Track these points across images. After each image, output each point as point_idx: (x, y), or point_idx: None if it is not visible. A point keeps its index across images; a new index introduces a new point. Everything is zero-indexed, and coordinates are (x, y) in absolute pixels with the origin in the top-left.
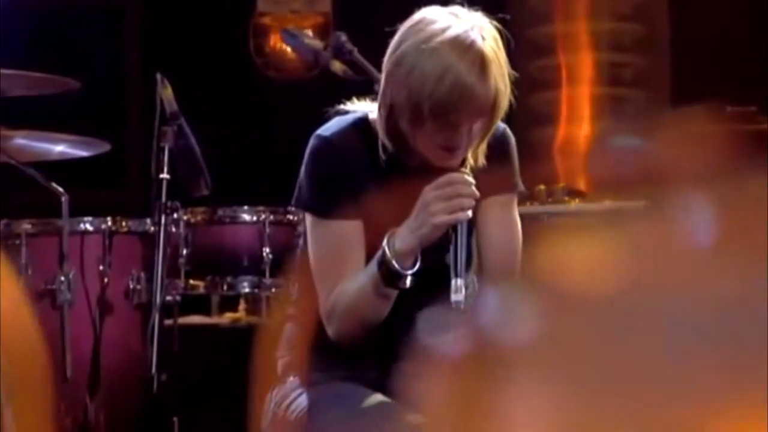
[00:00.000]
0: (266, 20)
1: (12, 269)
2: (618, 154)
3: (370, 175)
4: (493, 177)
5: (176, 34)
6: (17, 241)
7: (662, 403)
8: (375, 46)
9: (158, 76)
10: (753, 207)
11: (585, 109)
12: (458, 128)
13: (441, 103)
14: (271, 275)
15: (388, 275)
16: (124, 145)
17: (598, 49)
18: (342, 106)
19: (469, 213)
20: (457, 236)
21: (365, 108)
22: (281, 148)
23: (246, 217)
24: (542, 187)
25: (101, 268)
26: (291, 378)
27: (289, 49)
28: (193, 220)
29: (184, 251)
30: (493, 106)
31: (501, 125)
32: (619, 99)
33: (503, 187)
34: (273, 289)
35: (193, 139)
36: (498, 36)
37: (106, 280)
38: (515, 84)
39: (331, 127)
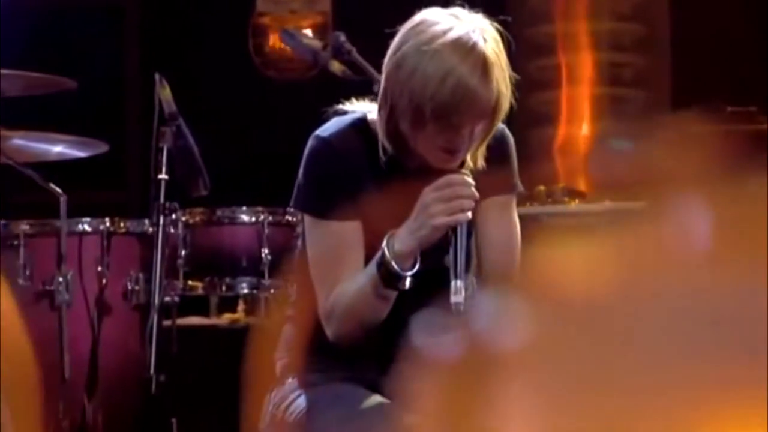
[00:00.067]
0: (265, 20)
1: (2, 274)
2: (617, 155)
3: (368, 176)
4: (492, 178)
5: (175, 34)
6: (15, 242)
7: (655, 406)
8: (374, 46)
9: (156, 76)
10: (752, 208)
11: (585, 109)
12: (460, 130)
13: (443, 105)
14: (270, 276)
15: (388, 276)
16: (123, 145)
17: (598, 49)
18: (340, 107)
19: (469, 214)
20: (457, 238)
21: (364, 108)
22: (280, 148)
23: (245, 217)
24: (542, 187)
25: (99, 268)
26: (290, 379)
27: (288, 49)
28: (191, 221)
29: (183, 252)
30: (495, 108)
31: (500, 126)
32: (619, 99)
33: (502, 188)
34: (272, 290)
35: (191, 140)
36: (499, 38)
37: (104, 280)
38: (515, 84)
39: (329, 127)
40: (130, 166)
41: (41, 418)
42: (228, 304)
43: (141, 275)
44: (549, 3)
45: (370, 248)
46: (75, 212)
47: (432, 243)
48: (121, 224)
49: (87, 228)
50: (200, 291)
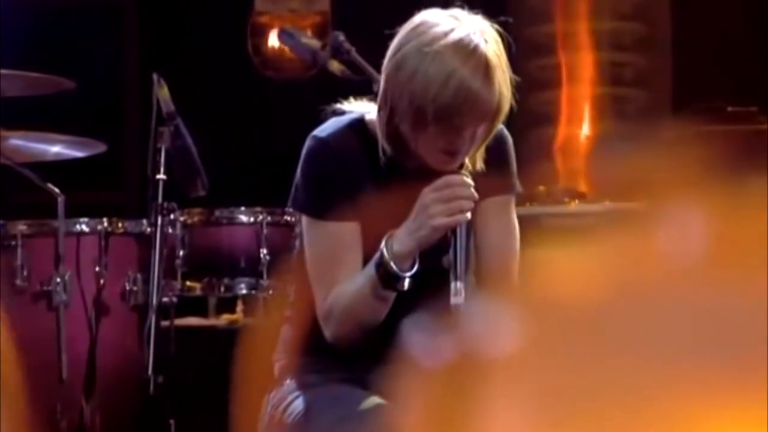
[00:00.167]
0: (264, 19)
1: None
2: (617, 157)
3: (366, 176)
4: (491, 179)
5: (174, 34)
6: (13, 242)
7: (649, 412)
8: (374, 45)
9: (154, 76)
10: (752, 210)
11: (585, 109)
12: (461, 132)
13: (445, 108)
14: (269, 277)
15: (386, 277)
16: (121, 145)
17: (598, 49)
18: (338, 106)
19: (468, 215)
20: (456, 239)
21: (362, 108)
22: (279, 148)
23: (243, 218)
24: (542, 187)
25: (97, 269)
26: (288, 381)
27: (287, 49)
28: (189, 221)
29: (181, 252)
30: (497, 110)
31: (499, 126)
32: (620, 99)
33: (501, 188)
34: (270, 291)
35: (189, 140)
36: (499, 39)
37: (102, 281)
38: (515, 85)
39: (327, 128)
40: (129, 166)
41: (28, 419)
42: (226, 304)
43: (139, 276)
44: (549, 2)
45: (369, 249)
46: (73, 212)
47: (431, 244)
48: (119, 224)
49: (85, 228)
50: (198, 291)
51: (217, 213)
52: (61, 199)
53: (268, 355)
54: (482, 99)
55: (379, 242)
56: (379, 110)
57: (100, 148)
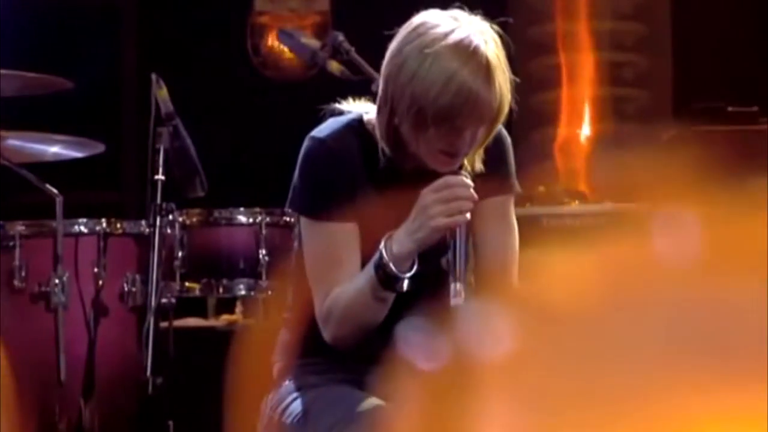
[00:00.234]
0: (264, 19)
1: None
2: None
3: (365, 177)
4: (490, 179)
5: (172, 33)
6: (11, 243)
7: (640, 416)
8: (374, 45)
9: (153, 76)
10: (751, 211)
11: (585, 109)
12: (462, 133)
13: (446, 109)
14: (268, 277)
15: (386, 278)
16: (120, 146)
17: (598, 49)
18: (337, 106)
19: (468, 216)
20: (456, 240)
21: (360, 108)
22: (278, 148)
23: (242, 218)
24: (542, 188)
25: (96, 270)
26: (286, 382)
27: (286, 49)
28: (188, 222)
29: (180, 253)
30: (497, 111)
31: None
32: (620, 99)
33: (500, 189)
34: (269, 292)
35: (188, 140)
36: (499, 39)
37: (100, 282)
38: (515, 85)
39: (325, 128)
40: (127, 166)
41: (26, 420)
42: (225, 305)
43: (138, 277)
44: (549, 2)
45: (367, 250)
46: (72, 213)
47: (430, 245)
48: (118, 225)
49: (83, 229)
50: (197, 292)
51: (216, 214)
52: (59, 200)
53: (267, 356)
54: (483, 100)
55: (378, 243)
56: (379, 111)
57: (99, 148)
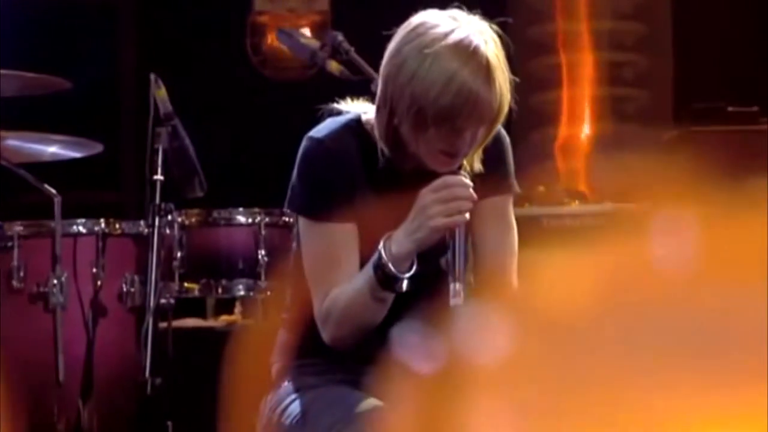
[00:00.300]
0: (263, 18)
1: None
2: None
3: (363, 177)
4: (488, 179)
5: (171, 33)
6: (9, 244)
7: (635, 421)
8: (373, 45)
9: (152, 76)
10: (751, 213)
11: (585, 109)
12: (462, 134)
13: (446, 109)
14: (267, 278)
15: (385, 279)
16: (119, 145)
17: (598, 49)
18: (335, 106)
19: (467, 216)
20: (455, 240)
21: (358, 108)
22: (278, 148)
23: (241, 219)
24: (542, 188)
25: (94, 270)
26: (285, 383)
27: (286, 49)
28: (187, 222)
29: (179, 254)
30: (497, 111)
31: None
32: (620, 99)
33: (499, 189)
34: (268, 292)
35: (187, 140)
36: (498, 39)
37: (99, 282)
38: (515, 85)
39: (323, 128)
40: (126, 166)
41: (24, 421)
42: (224, 306)
43: (136, 277)
44: (549, 2)
45: (366, 250)
46: (70, 213)
47: (429, 245)
48: (116, 225)
49: (82, 229)
50: (196, 293)
51: (215, 214)
52: (57, 200)
53: (266, 356)
54: (483, 100)
55: (377, 243)
56: (378, 111)
57: (97, 148)
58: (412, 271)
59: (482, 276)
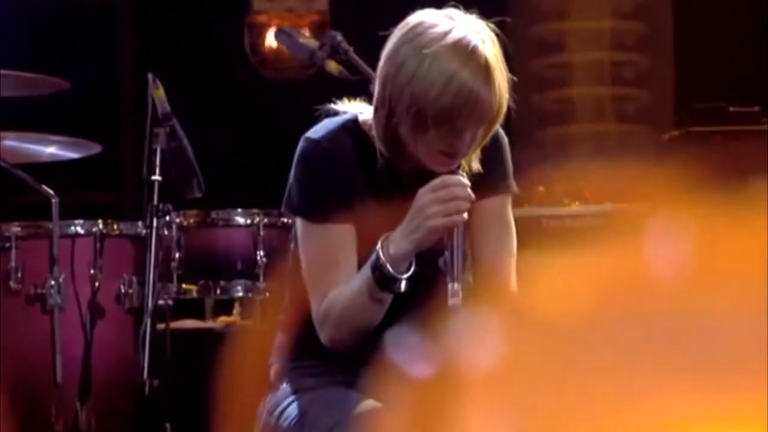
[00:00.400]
0: (262, 18)
1: None
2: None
3: (361, 177)
4: (487, 179)
5: (170, 33)
6: (7, 244)
7: (631, 425)
8: (372, 45)
9: (150, 76)
10: (752, 214)
11: (586, 109)
12: (461, 134)
13: (446, 110)
14: (266, 279)
15: (383, 280)
16: (117, 146)
17: (599, 48)
18: (332, 107)
19: (465, 216)
20: (453, 240)
21: (355, 109)
22: (276, 149)
23: (240, 219)
24: (542, 188)
25: (92, 271)
26: (283, 385)
27: (285, 48)
28: (185, 223)
29: (177, 255)
30: (497, 111)
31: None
32: (621, 98)
33: (497, 188)
34: (267, 293)
35: (186, 141)
36: (496, 38)
37: (97, 283)
38: (516, 83)
39: (320, 129)
40: (125, 167)
41: (14, 421)
42: (223, 307)
43: (134, 278)
44: (550, 1)
45: (364, 251)
46: (69, 214)
47: (428, 245)
48: (114, 226)
49: (80, 230)
50: (195, 294)
51: (214, 215)
52: (55, 201)
53: (264, 358)
54: (483, 100)
55: (375, 244)
56: (376, 112)
57: (95, 149)
58: (410, 272)
59: (480, 276)
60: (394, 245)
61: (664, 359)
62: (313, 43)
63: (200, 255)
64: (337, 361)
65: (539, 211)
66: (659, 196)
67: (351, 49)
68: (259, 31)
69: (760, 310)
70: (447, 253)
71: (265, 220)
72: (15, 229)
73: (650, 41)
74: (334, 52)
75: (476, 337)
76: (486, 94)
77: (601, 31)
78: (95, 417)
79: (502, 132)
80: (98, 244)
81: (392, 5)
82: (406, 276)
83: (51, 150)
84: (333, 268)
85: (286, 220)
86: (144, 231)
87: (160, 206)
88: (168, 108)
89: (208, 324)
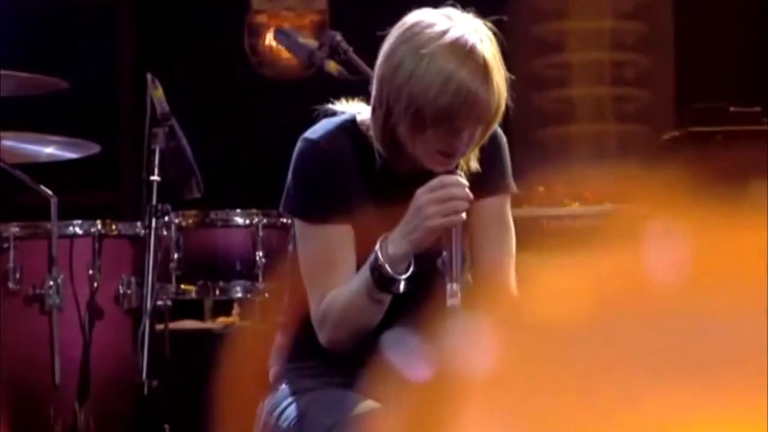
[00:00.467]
0: (261, 18)
1: None
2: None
3: (359, 178)
4: (485, 179)
5: (169, 33)
6: (5, 245)
7: (625, 426)
8: (372, 44)
9: (149, 76)
10: (752, 214)
11: (586, 109)
12: (460, 134)
13: (444, 109)
14: (265, 279)
15: (381, 280)
16: (116, 146)
17: (599, 48)
18: (330, 107)
19: (464, 216)
20: (452, 240)
21: (354, 109)
22: (275, 149)
23: (238, 220)
24: (542, 188)
25: (91, 272)
26: (282, 386)
27: (284, 48)
28: (184, 224)
29: (176, 255)
30: (495, 110)
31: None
32: (622, 98)
33: (495, 188)
34: (266, 294)
35: (184, 141)
36: (493, 37)
37: (95, 284)
38: (516, 83)
39: (318, 129)
40: (124, 167)
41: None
42: (222, 307)
43: (133, 279)
44: (550, 1)
45: (362, 252)
46: (67, 214)
47: (426, 245)
48: (113, 227)
49: (78, 231)
50: (193, 295)
51: (213, 215)
52: (54, 201)
53: (263, 359)
54: (482, 100)
55: (373, 245)
56: (374, 112)
57: (94, 149)
58: (409, 272)
59: (479, 277)
60: (393, 246)
61: (664, 360)
62: (313, 43)
63: (199, 255)
64: (335, 362)
65: (539, 211)
66: (659, 196)
67: (350, 49)
68: (259, 31)
69: (760, 311)
70: (445, 254)
71: (264, 220)
72: (13, 229)
73: (650, 41)
74: (334, 52)
75: (475, 339)
76: (484, 93)
77: (601, 31)
78: (94, 417)
79: (500, 131)
80: (97, 245)
81: (392, 5)
82: (404, 277)
83: (50, 150)
84: (331, 268)
85: (285, 220)
86: (143, 231)
87: (159, 206)
88: (167, 108)
89: (207, 325)
